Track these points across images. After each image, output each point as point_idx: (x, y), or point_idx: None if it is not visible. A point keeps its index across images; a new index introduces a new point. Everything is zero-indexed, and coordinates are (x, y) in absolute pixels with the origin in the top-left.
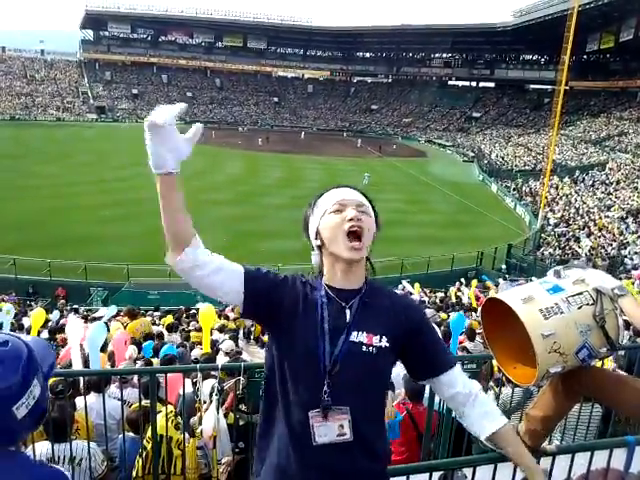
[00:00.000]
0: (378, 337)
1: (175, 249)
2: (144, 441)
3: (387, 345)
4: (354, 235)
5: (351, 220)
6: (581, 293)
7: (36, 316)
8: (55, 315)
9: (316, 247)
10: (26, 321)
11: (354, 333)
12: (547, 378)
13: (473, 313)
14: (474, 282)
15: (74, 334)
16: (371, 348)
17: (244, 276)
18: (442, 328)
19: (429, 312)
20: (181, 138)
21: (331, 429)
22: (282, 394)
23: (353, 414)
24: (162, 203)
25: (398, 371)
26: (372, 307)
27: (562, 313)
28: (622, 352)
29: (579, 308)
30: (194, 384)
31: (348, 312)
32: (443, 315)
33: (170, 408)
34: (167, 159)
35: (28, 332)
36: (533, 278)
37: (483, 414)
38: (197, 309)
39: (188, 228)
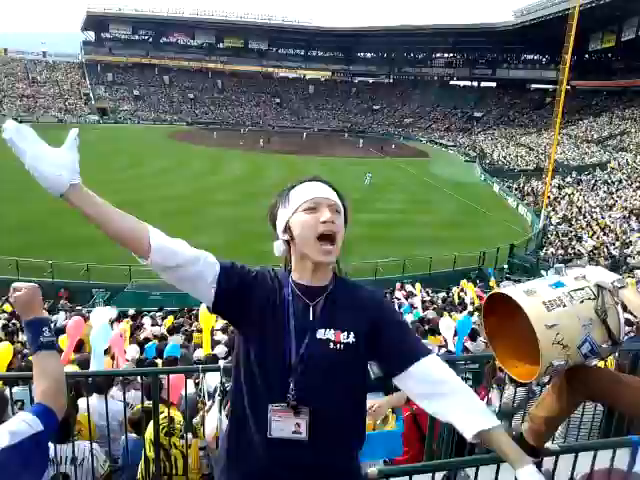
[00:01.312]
0: (345, 334)
1: (137, 253)
2: (143, 445)
3: (354, 341)
4: (327, 238)
5: (324, 223)
6: (582, 288)
7: None
8: (61, 316)
9: (283, 240)
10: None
11: (320, 331)
12: (550, 373)
13: (476, 313)
14: (470, 285)
15: (98, 323)
16: (339, 345)
17: (218, 272)
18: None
19: (430, 313)
20: (58, 149)
21: (288, 426)
22: (248, 387)
23: (315, 414)
24: (91, 220)
25: None
26: (338, 304)
27: (565, 306)
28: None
29: (581, 302)
30: (196, 385)
31: (311, 310)
32: (446, 315)
33: (163, 415)
34: (57, 174)
35: None
36: (543, 275)
37: (472, 409)
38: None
39: (135, 234)
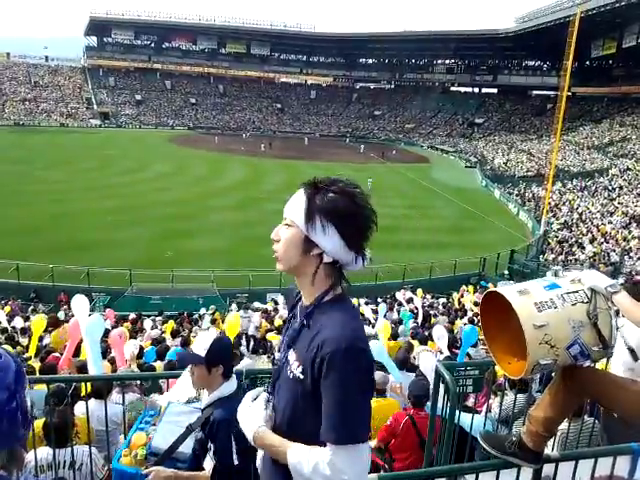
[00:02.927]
0: (297, 364)
1: None
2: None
3: (300, 377)
4: None
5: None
6: (577, 291)
7: (36, 323)
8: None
9: None
10: (18, 321)
11: (290, 351)
12: (538, 371)
13: (475, 318)
14: (471, 288)
15: (81, 310)
16: (290, 373)
17: None
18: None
19: (441, 320)
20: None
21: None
22: None
23: (277, 421)
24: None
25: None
26: (307, 330)
27: (556, 308)
28: None
29: (573, 305)
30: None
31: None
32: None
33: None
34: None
35: (29, 337)
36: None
37: None
38: (200, 315)
39: None
